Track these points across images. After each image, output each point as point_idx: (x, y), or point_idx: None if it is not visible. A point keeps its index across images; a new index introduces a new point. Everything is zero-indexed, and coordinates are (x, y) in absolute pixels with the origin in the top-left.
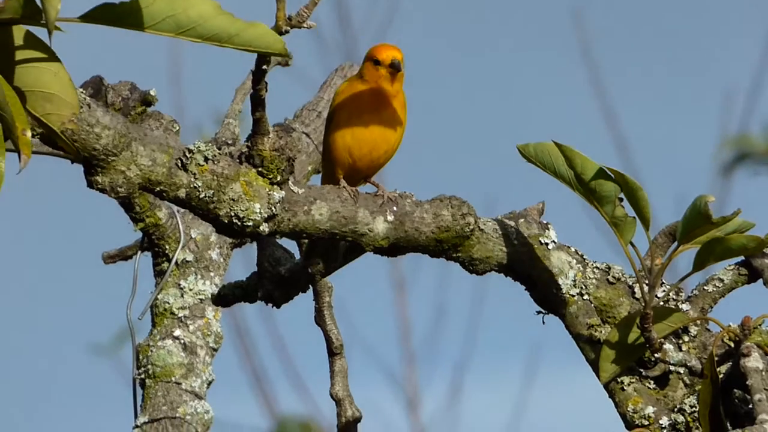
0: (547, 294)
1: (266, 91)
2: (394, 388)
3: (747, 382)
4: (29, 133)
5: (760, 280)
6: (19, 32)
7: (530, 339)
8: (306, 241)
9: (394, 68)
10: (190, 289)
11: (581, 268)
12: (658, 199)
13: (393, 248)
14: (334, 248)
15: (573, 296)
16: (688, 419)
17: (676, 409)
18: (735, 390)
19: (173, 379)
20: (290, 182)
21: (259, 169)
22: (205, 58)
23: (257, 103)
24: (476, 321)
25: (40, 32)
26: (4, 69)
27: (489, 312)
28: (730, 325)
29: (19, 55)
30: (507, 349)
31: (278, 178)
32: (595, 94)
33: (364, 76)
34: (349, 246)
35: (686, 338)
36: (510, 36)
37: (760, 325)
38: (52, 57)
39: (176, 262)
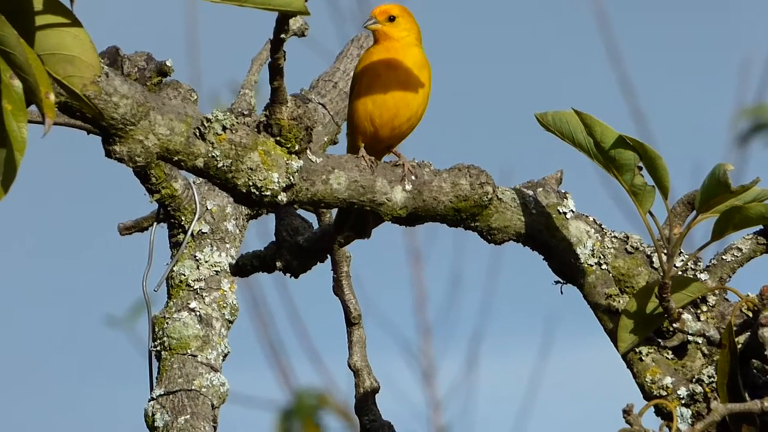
0: (565, 263)
1: (284, 59)
2: (410, 359)
3: (765, 352)
4: (53, 96)
5: None
6: None
7: (546, 309)
8: (324, 210)
9: (368, 21)
10: (206, 261)
11: (599, 238)
12: (674, 169)
13: (411, 217)
14: (364, 220)
15: (591, 266)
16: (706, 389)
17: (694, 380)
18: (753, 360)
19: (189, 351)
20: (308, 151)
21: (277, 138)
22: (223, 27)
23: (275, 71)
24: (492, 292)
25: None
26: (25, 34)
27: (505, 282)
28: (748, 295)
29: (40, 20)
30: (523, 319)
31: (296, 147)
32: (611, 65)
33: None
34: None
35: (704, 308)
36: (527, 7)
37: None
38: (73, 21)
39: (192, 234)
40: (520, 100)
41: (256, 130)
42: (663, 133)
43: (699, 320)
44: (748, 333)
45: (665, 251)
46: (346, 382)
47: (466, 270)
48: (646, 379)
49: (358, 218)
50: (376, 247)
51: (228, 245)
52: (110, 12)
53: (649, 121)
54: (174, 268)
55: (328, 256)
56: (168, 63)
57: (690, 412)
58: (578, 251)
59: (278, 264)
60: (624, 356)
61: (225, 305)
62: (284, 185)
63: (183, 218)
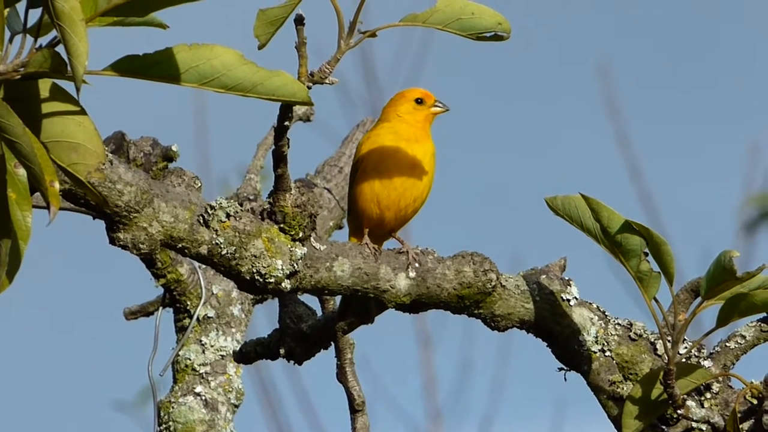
0: (568, 350)
1: (288, 147)
2: None
3: None
4: (57, 185)
5: None
6: (44, 84)
7: (556, 394)
8: (328, 297)
9: (441, 106)
10: (212, 346)
11: (603, 325)
12: (682, 254)
13: (415, 304)
14: (368, 307)
15: (595, 353)
16: None
17: None
18: None
19: None
20: (312, 238)
21: (281, 225)
22: (233, 110)
23: (279, 159)
24: (502, 376)
25: (65, 83)
26: (30, 121)
27: (515, 367)
28: (752, 382)
29: (45, 107)
30: (533, 404)
31: (300, 235)
32: (620, 149)
33: (401, 115)
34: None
35: (708, 395)
36: (536, 91)
37: None
38: (78, 109)
39: (198, 318)
40: (529, 184)
41: (259, 217)
42: (672, 217)
43: (703, 407)
44: (752, 420)
45: (669, 338)
46: None
47: (476, 354)
48: None
49: (362, 304)
50: (386, 332)
51: (234, 330)
52: (119, 95)
53: (657, 206)
54: (179, 353)
55: (332, 343)
56: (174, 148)
57: None
58: (582, 338)
59: (281, 351)
60: None
61: (231, 389)
62: (288, 272)
63: (189, 303)
